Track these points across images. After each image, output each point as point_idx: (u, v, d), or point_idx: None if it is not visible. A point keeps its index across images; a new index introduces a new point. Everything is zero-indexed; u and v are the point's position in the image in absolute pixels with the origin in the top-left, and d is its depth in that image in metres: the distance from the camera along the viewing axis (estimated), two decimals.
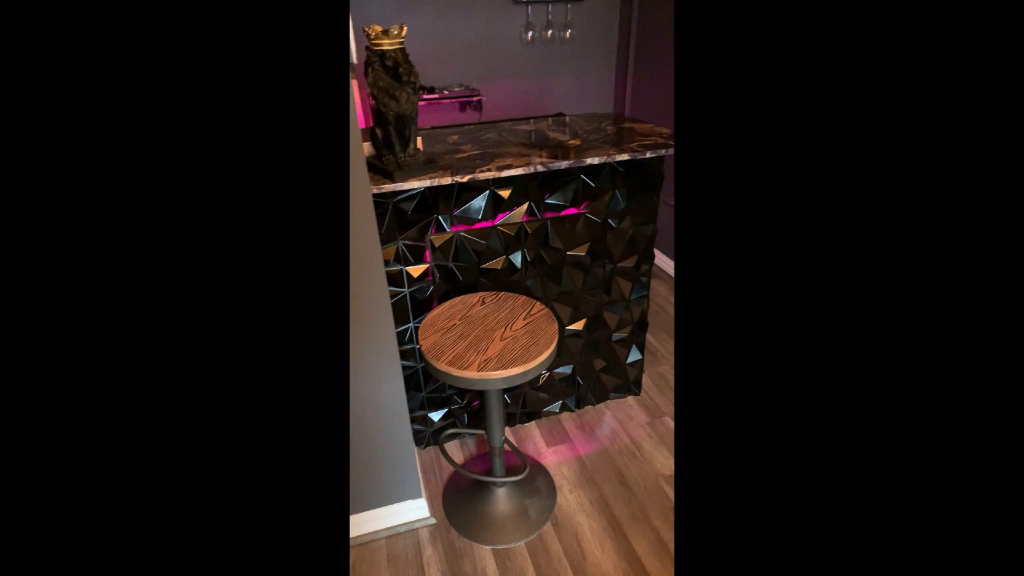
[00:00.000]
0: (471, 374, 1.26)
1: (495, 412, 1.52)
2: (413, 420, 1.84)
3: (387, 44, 1.27)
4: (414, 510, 1.62)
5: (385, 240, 1.52)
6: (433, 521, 1.64)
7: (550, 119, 2.09)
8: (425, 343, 1.36)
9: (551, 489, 1.73)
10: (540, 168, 1.50)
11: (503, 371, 1.26)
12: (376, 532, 1.60)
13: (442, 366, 1.29)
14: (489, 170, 1.45)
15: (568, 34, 3.12)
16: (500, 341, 1.35)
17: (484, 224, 1.61)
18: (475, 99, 3.02)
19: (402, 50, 1.28)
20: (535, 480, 1.74)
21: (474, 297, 1.55)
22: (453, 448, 1.91)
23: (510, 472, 1.69)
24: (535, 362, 1.29)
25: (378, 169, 1.43)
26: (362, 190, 1.20)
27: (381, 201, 1.46)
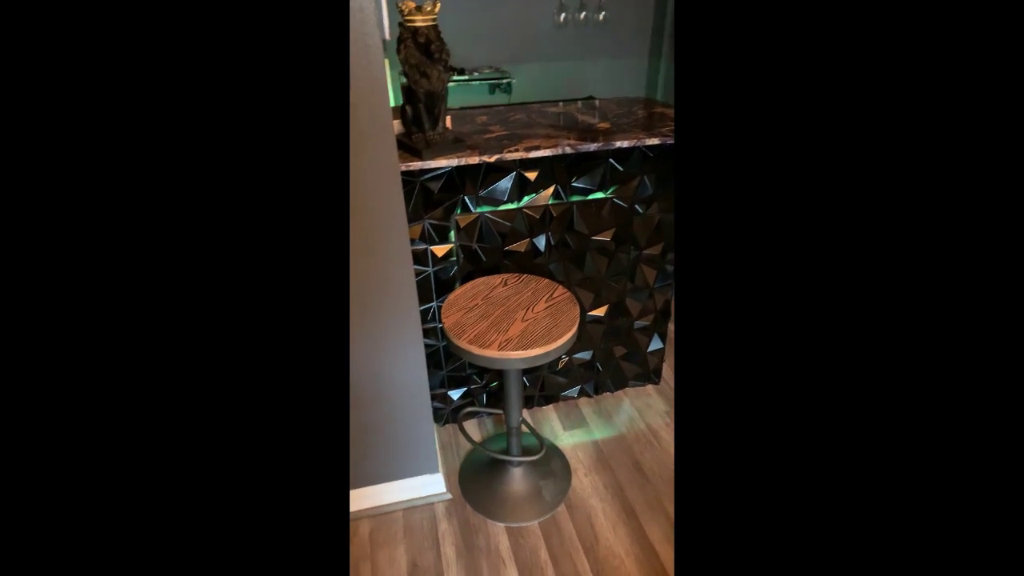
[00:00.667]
0: (492, 353, 1.27)
1: (514, 392, 1.53)
2: (433, 398, 1.87)
3: (420, 21, 1.27)
4: (431, 485, 1.66)
5: (411, 219, 1.53)
6: (449, 496, 1.67)
7: (580, 102, 2.06)
8: (447, 321, 1.37)
9: (566, 472, 1.74)
10: (568, 150, 1.49)
11: (523, 351, 1.27)
12: (394, 504, 1.64)
13: (463, 344, 1.30)
14: (517, 151, 1.45)
15: (602, 16, 3.06)
16: (521, 322, 1.36)
17: (510, 206, 1.61)
18: (504, 81, 3.00)
19: (435, 27, 1.28)
20: (551, 462, 1.76)
21: (497, 278, 1.55)
22: (471, 427, 1.94)
23: (526, 453, 1.71)
24: (555, 344, 1.30)
25: (407, 147, 1.44)
26: (390, 167, 1.22)
27: (408, 179, 1.47)
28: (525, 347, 1.27)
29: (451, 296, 1.48)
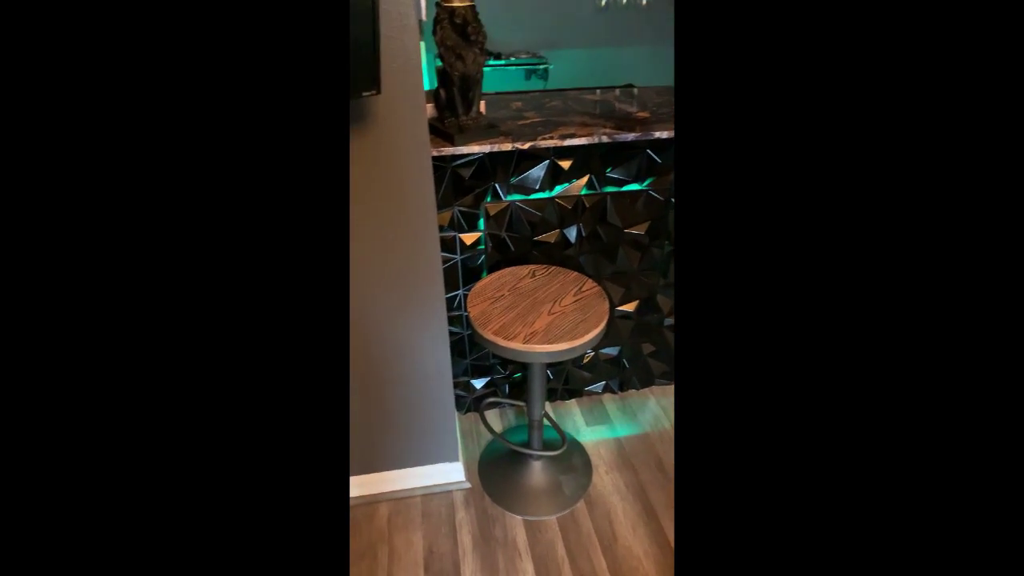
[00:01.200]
0: (516, 345, 1.25)
1: (537, 386, 1.51)
2: (455, 386, 1.86)
3: (458, 1, 1.23)
4: (450, 473, 1.66)
5: (441, 205, 1.51)
6: (468, 485, 1.67)
7: (618, 90, 1.99)
8: (473, 311, 1.36)
9: (587, 468, 1.72)
10: (605, 139, 1.44)
11: (549, 346, 1.24)
12: (413, 489, 1.65)
13: (488, 335, 1.28)
14: (551, 138, 1.41)
15: (645, 1, 2.96)
16: (548, 315, 1.33)
17: (541, 195, 1.57)
18: (541, 67, 2.94)
19: (472, 8, 1.25)
20: (571, 457, 1.74)
21: (524, 269, 1.53)
22: (492, 416, 1.93)
23: (547, 447, 1.69)
24: (582, 340, 1.26)
25: (439, 131, 1.42)
26: (422, 152, 1.19)
27: (440, 164, 1.45)
28: (550, 341, 1.24)
29: (478, 285, 1.46)
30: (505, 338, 1.26)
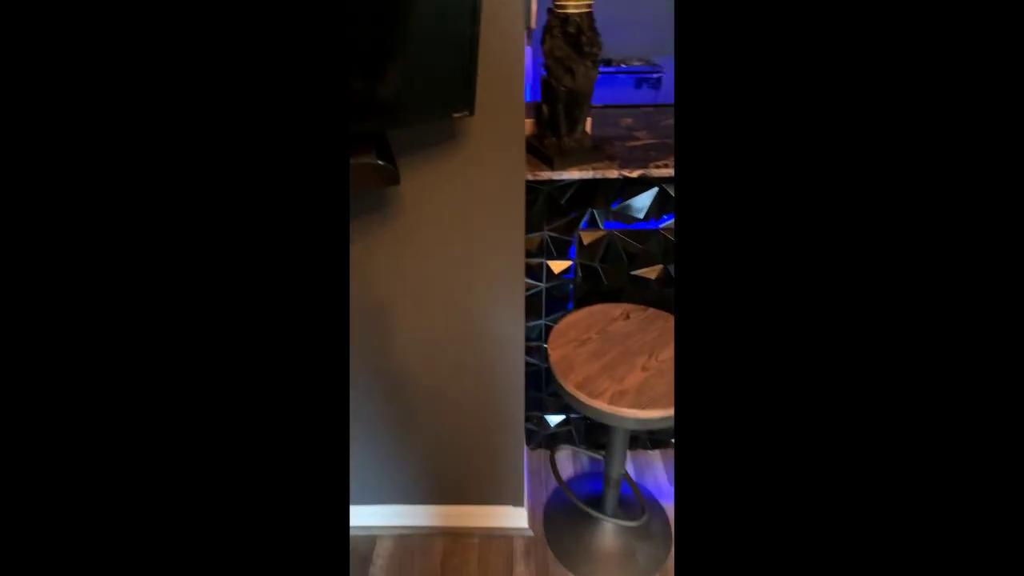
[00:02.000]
0: (601, 405, 1.08)
1: (618, 445, 1.33)
2: (528, 419, 1.72)
3: (572, 7, 1.09)
4: (513, 518, 1.53)
5: (530, 228, 1.38)
6: (531, 534, 1.53)
7: None
8: (554, 355, 1.21)
9: (666, 536, 1.51)
10: None
11: (639, 411, 1.06)
12: (472, 528, 1.54)
13: (569, 387, 1.13)
14: (664, 166, 1.22)
15: None
16: (641, 371, 1.15)
17: (644, 225, 1.39)
18: (655, 76, 2.71)
19: (589, 15, 1.09)
20: (650, 522, 1.53)
21: (617, 309, 1.35)
22: (564, 456, 1.77)
23: (623, 509, 1.50)
24: None
25: (537, 152, 1.28)
26: (515, 172, 1.06)
27: (534, 186, 1.31)
28: (642, 406, 1.06)
29: (562, 323, 1.30)
30: (589, 395, 1.09)
